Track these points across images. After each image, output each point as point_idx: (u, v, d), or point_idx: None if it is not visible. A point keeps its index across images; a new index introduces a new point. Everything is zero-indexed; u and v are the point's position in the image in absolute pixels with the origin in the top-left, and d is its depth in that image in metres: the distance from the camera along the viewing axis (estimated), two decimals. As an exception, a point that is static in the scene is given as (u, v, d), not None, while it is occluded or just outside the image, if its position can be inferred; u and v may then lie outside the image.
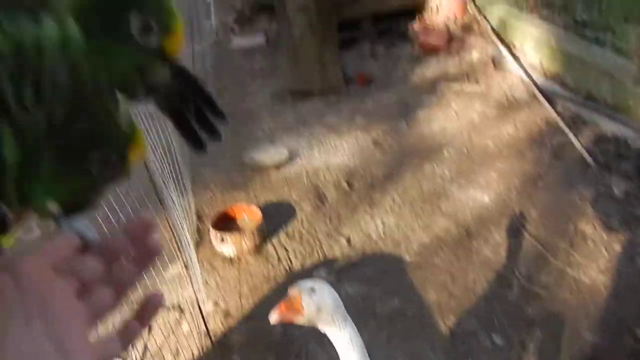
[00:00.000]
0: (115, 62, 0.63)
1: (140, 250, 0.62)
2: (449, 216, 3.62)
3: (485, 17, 6.09)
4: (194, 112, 0.94)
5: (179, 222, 2.83)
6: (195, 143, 0.94)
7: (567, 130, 4.26)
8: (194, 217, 3.76)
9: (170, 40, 0.66)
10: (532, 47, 5.26)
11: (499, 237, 3.38)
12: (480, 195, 3.78)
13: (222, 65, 6.84)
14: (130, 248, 0.61)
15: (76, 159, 0.58)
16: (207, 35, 7.22)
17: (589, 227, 3.36)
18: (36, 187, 0.63)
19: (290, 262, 3.40)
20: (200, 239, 3.66)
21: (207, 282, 3.29)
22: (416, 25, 6.70)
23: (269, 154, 4.59)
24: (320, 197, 3.97)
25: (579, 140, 4.13)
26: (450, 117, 4.85)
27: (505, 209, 3.61)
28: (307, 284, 1.59)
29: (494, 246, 3.32)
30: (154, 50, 0.66)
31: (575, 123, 4.39)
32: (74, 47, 0.53)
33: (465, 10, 6.55)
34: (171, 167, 3.05)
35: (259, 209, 3.63)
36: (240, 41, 7.57)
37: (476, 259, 3.24)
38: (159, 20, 0.65)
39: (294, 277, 3.25)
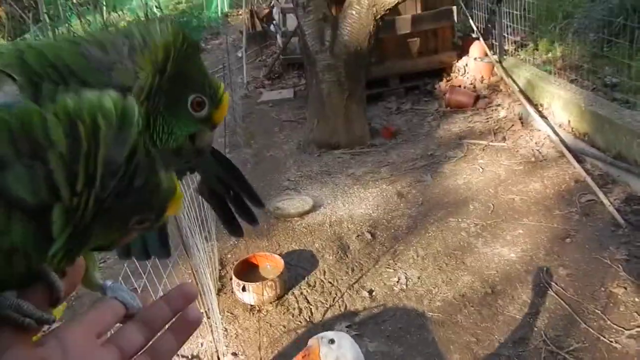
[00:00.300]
0: (174, 133, 0.77)
1: (180, 321, 0.64)
2: (473, 272, 3.55)
3: (512, 78, 6.17)
4: (233, 197, 1.05)
5: (202, 269, 2.85)
6: (233, 228, 1.07)
7: (596, 188, 4.20)
8: (217, 264, 3.78)
9: (219, 112, 0.81)
10: (560, 108, 5.28)
11: (526, 296, 3.29)
12: (506, 251, 3.71)
13: (251, 116, 7.03)
14: (170, 318, 0.64)
15: (119, 224, 0.63)
16: (238, 89, 7.46)
17: (620, 290, 3.24)
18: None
19: (311, 313, 3.35)
20: (222, 287, 3.66)
21: (226, 331, 3.26)
22: (443, 84, 6.83)
23: (294, 203, 4.62)
24: (343, 248, 3.95)
25: (608, 199, 4.05)
26: (476, 172, 4.83)
27: (532, 267, 3.52)
28: (328, 335, 1.57)
29: (520, 305, 3.22)
30: (204, 120, 0.80)
31: (605, 182, 4.33)
32: (133, 129, 0.58)
33: (492, 71, 6.66)
34: (197, 213, 3.09)
35: (281, 257, 3.63)
36: (269, 94, 7.80)
37: (501, 318, 3.15)
38: (210, 97, 0.79)
39: (314, 329, 3.20)
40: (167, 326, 0.63)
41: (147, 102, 0.74)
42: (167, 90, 0.76)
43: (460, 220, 4.13)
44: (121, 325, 0.64)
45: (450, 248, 3.81)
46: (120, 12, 13.10)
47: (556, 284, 3.34)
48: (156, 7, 12.94)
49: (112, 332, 0.62)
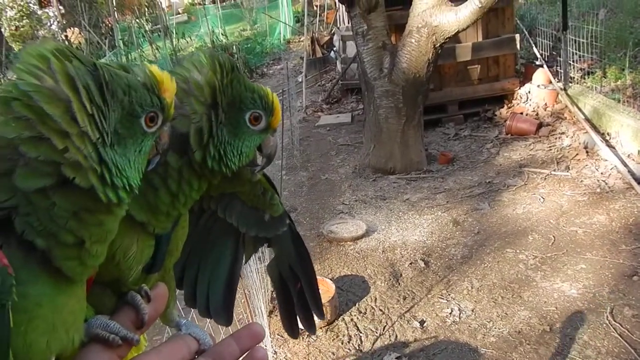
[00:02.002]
0: (243, 153, 0.85)
1: (247, 359, 0.69)
2: (531, 307, 3.41)
3: (577, 106, 5.96)
4: (298, 294, 1.11)
5: (254, 290, 2.90)
6: (291, 327, 1.13)
7: (668, 224, 3.95)
8: (269, 286, 3.83)
9: (275, 118, 0.88)
10: (629, 137, 5.04)
11: (587, 336, 3.11)
12: (567, 287, 3.54)
13: (309, 139, 7.15)
14: (238, 356, 0.70)
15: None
16: (297, 112, 7.62)
17: (694, 335, 3.01)
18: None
19: (361, 341, 3.33)
20: (274, 309, 3.70)
21: (276, 354, 3.29)
22: (504, 111, 6.69)
23: (347, 227, 4.64)
24: (395, 275, 3.91)
25: (682, 236, 3.80)
26: (537, 202, 4.67)
27: (594, 305, 3.34)
28: None
29: (580, 347, 3.05)
30: (264, 130, 0.88)
31: (678, 217, 4.07)
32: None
33: (556, 99, 6.46)
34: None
35: (333, 282, 3.64)
36: (327, 118, 7.91)
37: None
38: (264, 108, 0.86)
39: (363, 358, 3.17)
40: None
41: (211, 137, 0.81)
42: (226, 119, 0.82)
43: (518, 251, 3.99)
44: (194, 359, 0.70)
45: (507, 280, 3.68)
46: (188, 39, 13.75)
47: (621, 325, 3.15)
48: (222, 34, 13.49)
49: None
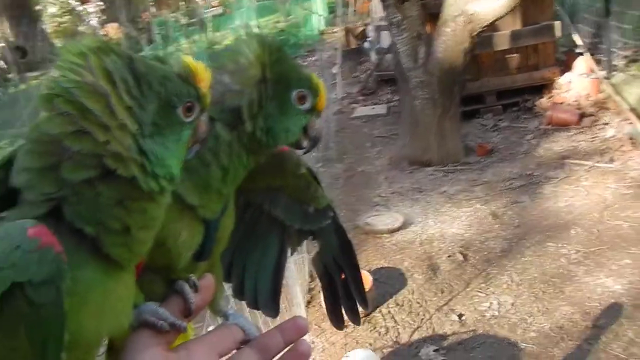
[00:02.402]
0: (290, 130, 0.87)
1: (292, 351, 0.71)
2: (573, 302, 3.34)
3: (621, 96, 5.76)
4: (342, 286, 1.12)
5: (291, 280, 2.94)
6: (337, 319, 1.14)
7: None
8: (307, 276, 3.87)
9: (320, 99, 0.90)
10: (677, 125, 4.85)
11: (632, 333, 3.03)
12: (611, 282, 3.45)
13: (344, 131, 7.14)
14: (282, 348, 0.71)
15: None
16: (332, 104, 7.62)
17: None
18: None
19: (398, 333, 3.33)
20: (312, 299, 3.74)
21: (313, 344, 3.33)
22: (544, 101, 6.51)
23: (384, 220, 4.63)
24: (432, 268, 3.89)
25: None
26: (580, 194, 4.56)
27: (640, 301, 3.26)
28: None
29: (625, 344, 2.98)
30: (310, 111, 0.89)
31: None
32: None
33: (598, 88, 6.26)
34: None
35: (370, 274, 3.65)
36: (362, 110, 7.87)
37: (604, 356, 2.93)
38: (310, 88, 0.88)
39: (401, 349, 3.18)
40: (280, 355, 0.71)
41: (260, 110, 0.84)
42: (273, 95, 0.85)
43: (560, 245, 3.91)
44: (240, 348, 0.73)
45: (548, 275, 3.61)
46: (223, 32, 13.89)
47: (669, 321, 3.06)
48: (256, 26, 13.57)
49: (232, 353, 0.71)
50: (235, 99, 0.83)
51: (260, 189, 1.04)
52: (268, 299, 1.08)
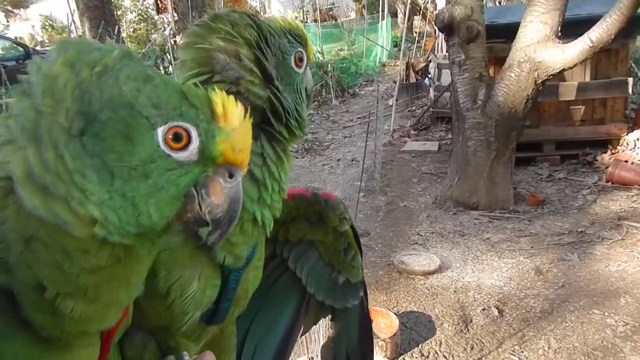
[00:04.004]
0: (301, 98, 0.76)
1: None
2: (615, 380, 3.06)
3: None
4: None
5: (314, 332, 2.83)
6: None
7: None
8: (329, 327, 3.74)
9: (310, 50, 0.80)
10: None
11: None
12: (662, 364, 3.15)
13: (391, 164, 7.03)
14: None
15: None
16: (383, 135, 7.53)
17: None
18: None
19: (419, 383, 3.15)
20: (333, 333, 3.61)
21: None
22: (607, 157, 6.20)
23: (420, 260, 4.46)
24: (465, 319, 3.68)
25: None
26: (634, 260, 4.23)
27: (693, 390, 2.94)
28: None
29: None
30: (306, 66, 0.78)
31: None
32: None
33: (668, 148, 5.90)
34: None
35: (397, 317, 3.49)
36: (413, 144, 7.75)
37: None
38: (303, 44, 0.77)
39: (419, 401, 2.99)
40: None
41: (286, 113, 0.72)
42: (282, 84, 0.72)
43: (606, 314, 3.62)
44: None
45: (590, 346, 3.33)
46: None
47: None
48: (319, 51, 13.74)
49: None
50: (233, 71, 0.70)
51: (292, 241, 0.87)
52: None
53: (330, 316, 0.94)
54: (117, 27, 14.46)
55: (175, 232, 0.51)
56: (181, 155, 0.48)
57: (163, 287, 0.61)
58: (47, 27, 24.88)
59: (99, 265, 0.47)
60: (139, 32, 20.77)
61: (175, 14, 17.48)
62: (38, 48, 18.46)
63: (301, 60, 0.76)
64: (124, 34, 18.11)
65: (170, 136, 0.47)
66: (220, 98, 0.51)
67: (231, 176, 0.51)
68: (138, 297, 0.58)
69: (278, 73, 0.71)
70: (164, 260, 0.60)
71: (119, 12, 20.42)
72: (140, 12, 21.44)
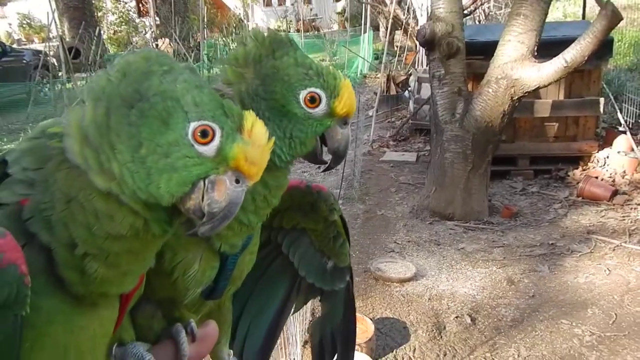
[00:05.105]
0: (297, 137, 0.71)
1: None
2: (581, 387, 3.16)
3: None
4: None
5: (291, 318, 2.87)
6: None
7: None
8: (309, 315, 3.78)
9: (341, 102, 0.71)
10: None
11: None
12: (625, 372, 3.26)
13: (370, 173, 7.12)
14: None
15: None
16: (362, 145, 7.63)
17: None
18: None
19: (393, 388, 3.20)
20: (310, 339, 3.64)
21: (304, 384, 3.22)
22: (578, 173, 6.40)
23: (396, 268, 4.53)
24: (438, 326, 3.76)
25: None
26: (602, 273, 4.38)
27: (654, 397, 3.06)
28: None
29: None
30: (327, 116, 0.71)
31: None
32: None
33: (636, 168, 6.11)
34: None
35: (373, 322, 3.54)
36: (392, 155, 7.86)
37: None
38: (325, 88, 0.71)
39: (392, 405, 3.05)
40: None
41: (251, 102, 0.70)
42: (268, 94, 0.70)
43: (574, 324, 3.74)
44: None
45: (558, 355, 3.44)
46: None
47: None
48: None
49: None
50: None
51: (285, 228, 0.95)
52: (256, 354, 0.96)
53: (319, 298, 1.01)
54: (97, 28, 14.34)
55: (179, 219, 0.57)
56: (202, 149, 0.55)
57: (168, 266, 0.68)
58: (24, 25, 24.50)
59: (120, 234, 0.54)
60: (119, 34, 20.60)
61: (157, 18, 17.42)
62: (15, 46, 18.16)
63: (313, 101, 0.71)
64: (104, 36, 17.94)
65: (199, 132, 0.54)
66: (251, 117, 0.58)
67: (237, 182, 0.56)
68: (149, 273, 0.65)
69: (266, 103, 0.66)
70: (170, 244, 0.67)
71: (99, 14, 20.22)
72: (121, 14, 21.27)
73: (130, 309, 0.69)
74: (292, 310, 1.01)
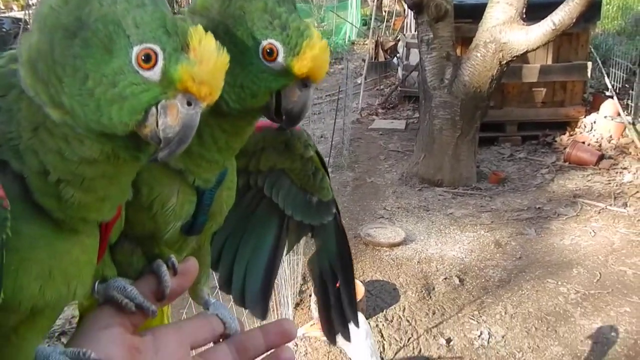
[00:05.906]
0: (248, 87, 0.67)
1: (272, 358, 0.65)
2: (565, 343, 3.26)
3: (645, 141, 5.68)
4: (335, 295, 1.03)
5: (282, 280, 2.91)
6: (329, 331, 1.04)
7: None
8: (299, 278, 3.83)
9: (299, 62, 0.65)
10: (696, 179, 4.75)
11: (622, 381, 2.96)
12: (607, 329, 3.36)
13: (359, 141, 7.12)
14: (263, 351, 0.65)
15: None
16: (351, 113, 7.60)
17: None
18: None
19: (383, 348, 3.28)
20: (301, 301, 3.70)
21: (297, 346, 3.29)
22: (565, 138, 6.45)
23: (386, 233, 4.58)
24: (427, 288, 3.83)
25: None
26: (587, 235, 4.47)
27: (634, 352, 3.16)
28: None
29: (614, 390, 2.90)
30: (285, 73, 0.66)
31: None
32: None
33: (622, 132, 6.17)
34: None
35: (363, 284, 3.60)
36: (381, 122, 7.85)
37: (590, 399, 2.86)
38: (285, 43, 0.65)
39: (383, 363, 3.13)
40: (259, 359, 0.65)
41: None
42: (228, 39, 0.64)
43: (559, 283, 3.83)
44: (217, 342, 0.67)
45: (544, 312, 3.54)
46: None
47: (661, 376, 2.97)
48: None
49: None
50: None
51: (263, 171, 0.94)
52: (257, 297, 0.97)
53: (310, 234, 1.01)
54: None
55: (144, 146, 0.56)
56: (147, 74, 0.52)
57: (146, 201, 0.68)
58: (3, -7, 23.75)
59: (92, 157, 0.54)
60: None
61: None
62: (-6, 14, 17.65)
63: (270, 53, 0.65)
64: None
65: (142, 56, 0.52)
66: (198, 33, 0.54)
67: (190, 104, 0.54)
68: (128, 210, 0.67)
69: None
70: (145, 179, 0.68)
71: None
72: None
73: (111, 247, 0.70)
74: (287, 248, 1.02)
